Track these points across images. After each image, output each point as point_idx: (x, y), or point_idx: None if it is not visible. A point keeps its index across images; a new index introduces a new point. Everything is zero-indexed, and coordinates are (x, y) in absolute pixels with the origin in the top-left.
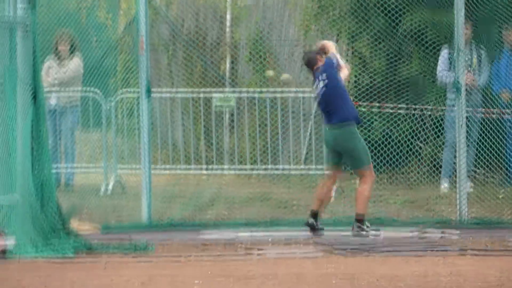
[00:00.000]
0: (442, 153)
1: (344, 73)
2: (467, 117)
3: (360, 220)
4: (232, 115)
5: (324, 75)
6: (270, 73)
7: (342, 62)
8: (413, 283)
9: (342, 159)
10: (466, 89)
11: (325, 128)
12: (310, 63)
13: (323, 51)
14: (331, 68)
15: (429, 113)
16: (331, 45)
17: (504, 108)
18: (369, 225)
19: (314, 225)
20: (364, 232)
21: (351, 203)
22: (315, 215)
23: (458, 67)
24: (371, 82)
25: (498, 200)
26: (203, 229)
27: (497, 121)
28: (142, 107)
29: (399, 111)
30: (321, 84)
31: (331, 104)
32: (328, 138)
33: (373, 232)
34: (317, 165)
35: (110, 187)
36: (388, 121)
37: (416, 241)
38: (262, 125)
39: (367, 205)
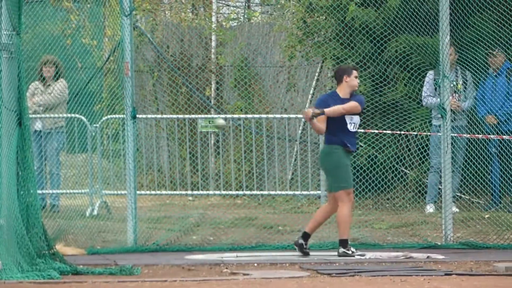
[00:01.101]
0: (427, 178)
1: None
2: (452, 141)
3: (344, 245)
4: (217, 140)
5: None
6: (220, 121)
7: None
8: None
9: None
10: (451, 113)
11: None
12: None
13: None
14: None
15: (414, 138)
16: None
17: (489, 132)
18: (354, 250)
19: (302, 245)
20: (349, 253)
21: (336, 228)
22: (306, 237)
23: (443, 92)
24: None
25: (483, 223)
26: (189, 252)
27: (482, 145)
28: (127, 131)
29: (384, 136)
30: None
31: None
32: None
33: (359, 253)
34: (302, 189)
35: (95, 210)
36: (373, 146)
37: (402, 263)
38: (247, 149)
39: (348, 229)
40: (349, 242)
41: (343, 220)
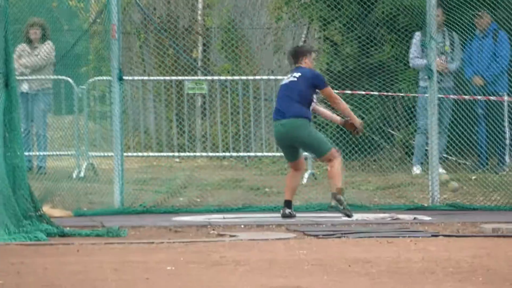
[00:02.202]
0: (414, 139)
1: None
2: (439, 103)
3: (338, 192)
4: (204, 102)
5: (298, 74)
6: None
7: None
8: (385, 269)
9: (299, 151)
10: (438, 74)
11: (276, 125)
12: (292, 56)
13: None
14: (313, 79)
15: (401, 100)
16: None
17: (475, 93)
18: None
19: (291, 214)
20: (341, 207)
21: (323, 189)
22: (289, 204)
23: (430, 53)
24: (343, 68)
25: (470, 184)
26: (176, 214)
27: (469, 106)
28: (114, 93)
29: (371, 98)
30: (291, 79)
31: (290, 99)
32: (281, 133)
33: (347, 213)
34: None
35: (82, 172)
36: (360, 108)
37: (389, 225)
38: (234, 111)
39: (341, 179)
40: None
41: (336, 172)
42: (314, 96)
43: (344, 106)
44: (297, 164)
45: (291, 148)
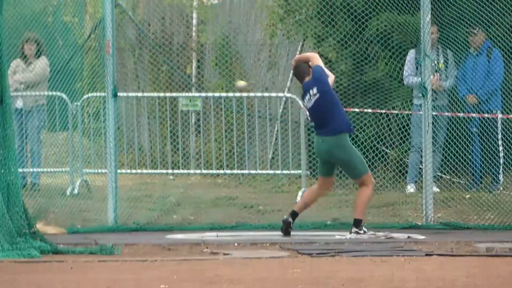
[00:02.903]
0: (408, 157)
1: (331, 79)
2: (433, 121)
3: (357, 225)
4: (198, 119)
5: (315, 89)
6: (241, 83)
7: (327, 70)
8: None
9: (334, 169)
10: (432, 92)
11: (317, 140)
12: (301, 75)
13: (307, 62)
14: (322, 79)
15: (395, 117)
16: (315, 56)
17: (470, 112)
18: (366, 230)
19: (290, 223)
20: (361, 232)
21: (317, 208)
22: (294, 215)
23: (424, 71)
24: (337, 86)
25: (464, 203)
26: (169, 231)
27: (464, 124)
28: (108, 109)
29: (365, 115)
30: (313, 98)
31: (324, 116)
32: (321, 149)
33: (371, 232)
34: (283, 169)
35: (76, 189)
36: (354, 126)
37: (383, 244)
38: (228, 129)
39: (365, 211)
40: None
41: (363, 200)
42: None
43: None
44: (327, 180)
45: (327, 163)
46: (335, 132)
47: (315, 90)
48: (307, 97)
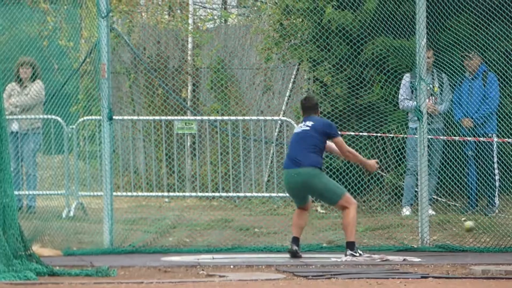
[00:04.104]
0: (403, 180)
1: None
2: (428, 144)
3: (351, 247)
4: (193, 142)
5: (311, 123)
6: (469, 224)
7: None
8: None
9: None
10: (428, 116)
11: (290, 174)
12: (308, 107)
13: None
14: (325, 127)
15: (391, 140)
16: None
17: (465, 135)
18: (361, 252)
19: (297, 252)
20: (357, 255)
21: (312, 230)
22: (297, 241)
23: (419, 95)
24: (332, 109)
25: (460, 226)
26: (165, 254)
27: (459, 147)
28: (103, 132)
29: (360, 138)
30: (303, 127)
31: (302, 146)
32: (296, 183)
33: (366, 255)
34: (278, 192)
35: (72, 211)
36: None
37: (378, 266)
38: (224, 151)
39: (354, 232)
40: (323, 245)
41: (350, 223)
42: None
43: (355, 156)
44: (306, 206)
45: (303, 194)
46: (311, 165)
47: (309, 123)
48: (299, 125)
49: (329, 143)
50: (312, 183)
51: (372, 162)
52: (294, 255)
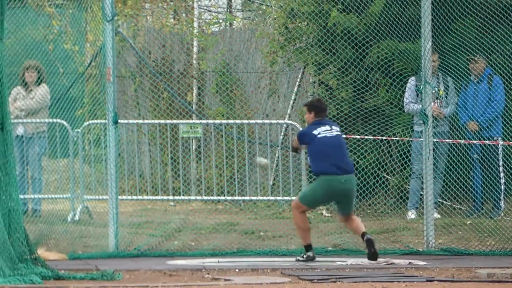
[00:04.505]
0: (409, 184)
1: None
2: (434, 147)
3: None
4: (199, 146)
5: (338, 128)
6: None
7: None
8: None
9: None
10: (433, 119)
11: (338, 180)
12: (325, 109)
13: None
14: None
15: (396, 144)
16: None
17: (470, 138)
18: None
19: (314, 256)
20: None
21: (318, 233)
22: (311, 247)
23: (424, 98)
24: (338, 112)
25: (465, 229)
26: (170, 257)
27: (464, 151)
28: (109, 136)
29: (366, 142)
30: (334, 132)
31: (344, 153)
32: (345, 190)
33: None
34: (284, 195)
35: (77, 215)
36: (355, 152)
37: (384, 269)
38: (229, 155)
39: None
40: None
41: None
42: None
43: None
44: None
45: (346, 201)
46: (353, 171)
47: (338, 129)
48: (327, 128)
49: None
50: (354, 191)
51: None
52: (313, 259)
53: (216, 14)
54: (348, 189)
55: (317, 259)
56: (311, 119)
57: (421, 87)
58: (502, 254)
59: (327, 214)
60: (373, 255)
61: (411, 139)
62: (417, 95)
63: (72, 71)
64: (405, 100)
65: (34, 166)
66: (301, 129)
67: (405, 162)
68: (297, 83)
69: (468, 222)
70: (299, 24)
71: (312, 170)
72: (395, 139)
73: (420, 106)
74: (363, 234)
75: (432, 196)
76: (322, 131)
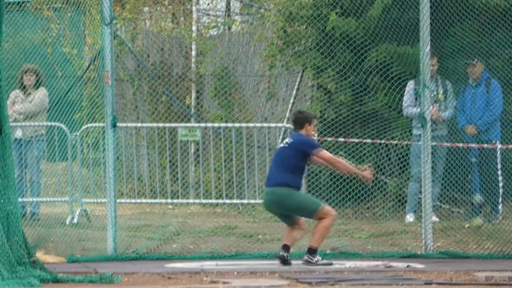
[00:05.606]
0: (407, 188)
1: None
2: (432, 151)
3: (311, 252)
4: (197, 149)
5: (290, 140)
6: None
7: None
8: None
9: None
10: (432, 123)
11: (266, 192)
12: (296, 121)
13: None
14: (299, 145)
15: (394, 147)
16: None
17: (469, 142)
18: (319, 258)
19: (287, 258)
20: (312, 263)
21: None
22: (287, 248)
23: (423, 102)
24: (336, 116)
25: (463, 232)
26: (169, 261)
27: (463, 154)
28: (107, 139)
29: (364, 145)
30: (282, 144)
31: (278, 164)
32: (269, 201)
33: (325, 261)
34: None
35: (75, 218)
36: (353, 155)
37: (382, 273)
38: (227, 158)
39: (322, 240)
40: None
41: (324, 229)
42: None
43: (345, 166)
44: (297, 224)
45: (283, 213)
46: (281, 184)
47: (290, 140)
48: (285, 140)
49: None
50: (284, 203)
51: (367, 172)
52: (284, 261)
53: (215, 17)
54: (273, 200)
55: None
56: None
57: (420, 90)
58: (500, 257)
59: None
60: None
61: (409, 142)
62: (416, 98)
63: (71, 75)
64: (403, 103)
65: (33, 169)
66: None
67: (404, 166)
68: (296, 87)
69: (467, 226)
70: (298, 28)
71: None
72: (394, 143)
73: (419, 109)
74: (284, 246)
75: (430, 200)
76: (282, 143)
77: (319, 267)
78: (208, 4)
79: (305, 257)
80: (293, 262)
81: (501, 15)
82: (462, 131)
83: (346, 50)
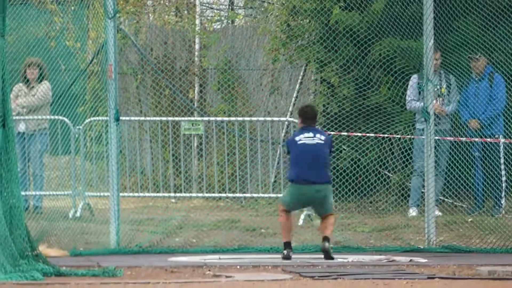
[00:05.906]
0: (410, 182)
1: None
2: (435, 145)
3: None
4: (200, 143)
5: (322, 137)
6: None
7: None
8: None
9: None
10: (435, 117)
11: (307, 189)
12: (313, 116)
13: None
14: (331, 144)
15: (398, 141)
16: None
17: (472, 136)
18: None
19: (290, 256)
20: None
21: (319, 231)
22: (289, 245)
23: (426, 96)
24: (339, 110)
25: (466, 227)
26: (171, 254)
27: (466, 149)
28: (110, 133)
29: (367, 139)
30: (315, 140)
31: (316, 162)
32: (314, 198)
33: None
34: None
35: (78, 212)
36: (356, 150)
37: (385, 267)
38: (230, 152)
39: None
40: (332, 246)
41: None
42: None
43: None
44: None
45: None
46: (328, 182)
47: (322, 138)
48: (309, 135)
49: None
50: (326, 199)
51: None
52: (289, 259)
53: (218, 11)
54: (317, 197)
55: (318, 256)
56: (300, 124)
57: (423, 85)
58: (503, 252)
59: None
60: (326, 258)
61: (412, 136)
62: (419, 93)
63: (74, 68)
64: (407, 98)
65: (36, 163)
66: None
67: (407, 160)
68: (299, 81)
69: (469, 220)
70: (301, 22)
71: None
72: (397, 137)
73: (422, 104)
74: (324, 238)
75: (433, 194)
76: (304, 138)
77: (325, 261)
78: None
79: (329, 246)
80: (295, 256)
81: (504, 9)
82: (465, 125)
83: (350, 44)
